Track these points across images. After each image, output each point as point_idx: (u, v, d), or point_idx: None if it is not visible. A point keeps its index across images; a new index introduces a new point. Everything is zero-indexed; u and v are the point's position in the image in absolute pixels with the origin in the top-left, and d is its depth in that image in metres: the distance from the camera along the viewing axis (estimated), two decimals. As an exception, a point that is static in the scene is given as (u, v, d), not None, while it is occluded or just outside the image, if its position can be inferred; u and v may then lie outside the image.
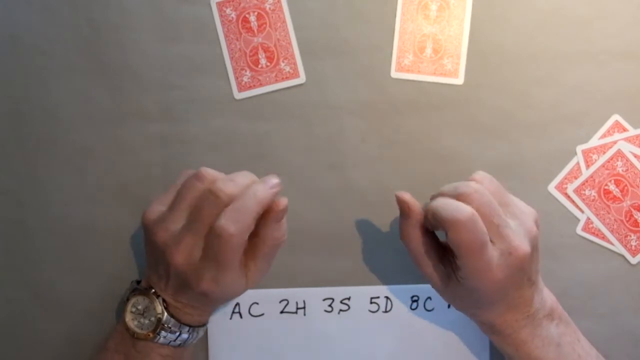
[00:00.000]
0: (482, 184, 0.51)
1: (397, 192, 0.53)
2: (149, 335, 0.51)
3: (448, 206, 0.48)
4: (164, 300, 0.52)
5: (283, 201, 0.50)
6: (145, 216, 0.52)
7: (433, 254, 0.53)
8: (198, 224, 0.49)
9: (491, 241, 0.49)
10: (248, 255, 0.52)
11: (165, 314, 0.51)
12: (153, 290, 0.52)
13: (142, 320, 0.52)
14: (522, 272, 0.50)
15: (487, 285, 0.49)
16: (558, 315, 0.54)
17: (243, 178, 0.50)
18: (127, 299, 0.53)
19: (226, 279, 0.49)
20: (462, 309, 0.54)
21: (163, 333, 0.51)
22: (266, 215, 0.50)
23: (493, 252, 0.48)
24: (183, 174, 0.54)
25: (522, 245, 0.49)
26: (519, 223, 0.51)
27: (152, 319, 0.51)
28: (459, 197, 0.49)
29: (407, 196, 0.52)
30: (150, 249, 0.53)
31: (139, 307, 0.52)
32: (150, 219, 0.52)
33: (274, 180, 0.50)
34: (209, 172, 0.50)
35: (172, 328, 0.52)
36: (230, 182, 0.49)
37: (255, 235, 0.51)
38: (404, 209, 0.52)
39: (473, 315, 0.54)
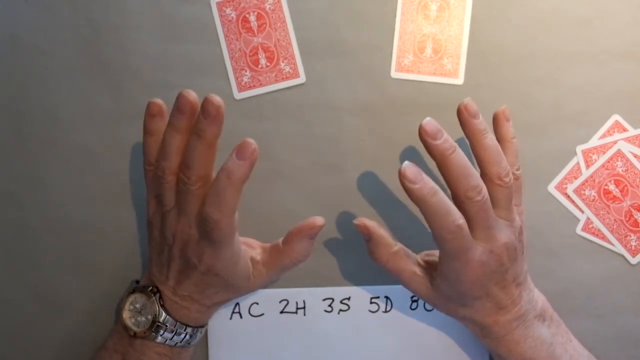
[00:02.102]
0: (506, 184, 0.51)
1: (353, 220, 0.54)
2: (144, 333, 0.52)
3: (445, 215, 0.49)
4: (161, 298, 0.52)
5: (319, 220, 0.53)
6: (148, 207, 0.54)
7: (407, 266, 0.54)
8: (186, 207, 0.50)
9: (477, 238, 0.50)
10: (265, 260, 0.54)
11: (162, 312, 0.52)
12: (150, 288, 0.53)
13: (139, 318, 0.52)
14: (501, 266, 0.51)
15: (466, 278, 0.51)
16: (549, 316, 0.54)
17: (191, 155, 0.50)
18: (126, 297, 0.53)
19: (225, 254, 0.51)
20: (452, 311, 0.54)
21: (159, 331, 0.52)
22: (302, 228, 0.53)
23: (475, 250, 0.50)
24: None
25: (504, 240, 0.51)
26: (509, 224, 0.52)
27: (149, 316, 0.52)
28: (467, 197, 0.49)
29: (363, 221, 0.54)
30: (154, 236, 0.54)
31: (137, 306, 0.53)
32: (150, 209, 0.54)
33: (248, 149, 0.48)
34: (166, 173, 0.51)
35: (168, 326, 0.52)
36: (187, 170, 0.49)
37: (285, 243, 0.54)
38: (363, 233, 0.54)
39: (465, 319, 0.54)
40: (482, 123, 0.52)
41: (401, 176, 0.48)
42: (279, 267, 0.54)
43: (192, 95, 0.50)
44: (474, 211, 0.50)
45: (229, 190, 0.48)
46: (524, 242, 0.54)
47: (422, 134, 0.50)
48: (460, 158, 0.50)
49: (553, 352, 0.53)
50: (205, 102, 0.48)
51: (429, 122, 0.50)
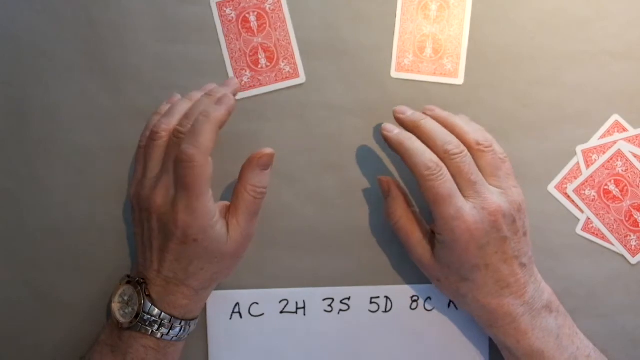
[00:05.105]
0: (486, 147, 0.54)
1: (378, 177, 0.57)
2: (130, 323, 0.52)
3: (420, 153, 0.53)
4: (147, 288, 0.53)
5: (268, 149, 0.54)
6: (131, 189, 0.56)
7: (418, 229, 0.56)
8: (168, 163, 0.52)
9: (466, 196, 0.52)
10: (230, 210, 0.54)
11: (147, 302, 0.52)
12: (137, 279, 0.53)
13: (126, 310, 0.53)
14: (498, 232, 0.52)
15: (461, 235, 0.51)
16: (556, 308, 0.54)
17: (197, 108, 0.54)
18: (116, 290, 0.54)
19: (199, 207, 0.51)
20: (454, 289, 0.55)
21: (145, 322, 0.52)
22: (251, 160, 0.54)
23: (465, 204, 0.52)
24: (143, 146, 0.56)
25: (497, 202, 0.52)
26: (502, 192, 0.53)
27: (135, 307, 0.52)
28: (445, 152, 0.53)
29: (386, 178, 0.57)
30: (135, 218, 0.55)
31: (125, 298, 0.53)
32: (133, 187, 0.55)
33: (229, 100, 0.54)
34: (162, 128, 0.53)
35: (153, 317, 0.52)
36: (186, 120, 0.53)
37: (239, 181, 0.54)
38: (383, 189, 0.57)
39: (467, 300, 0.54)
40: (442, 110, 0.57)
41: (382, 129, 0.55)
42: (244, 209, 0.54)
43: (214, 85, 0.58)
44: (455, 165, 0.52)
45: (206, 127, 0.51)
46: (526, 224, 0.54)
47: (394, 114, 0.56)
48: (432, 122, 0.55)
49: (560, 344, 0.53)
50: (229, 79, 0.59)
51: (398, 106, 0.56)
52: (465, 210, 0.51)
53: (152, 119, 0.57)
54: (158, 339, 0.53)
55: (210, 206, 0.52)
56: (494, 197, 0.53)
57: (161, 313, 0.52)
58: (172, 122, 0.54)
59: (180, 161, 0.50)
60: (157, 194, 0.52)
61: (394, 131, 0.54)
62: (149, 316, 0.52)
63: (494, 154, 0.54)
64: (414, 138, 0.54)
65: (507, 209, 0.53)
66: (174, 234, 0.51)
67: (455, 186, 0.52)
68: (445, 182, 0.52)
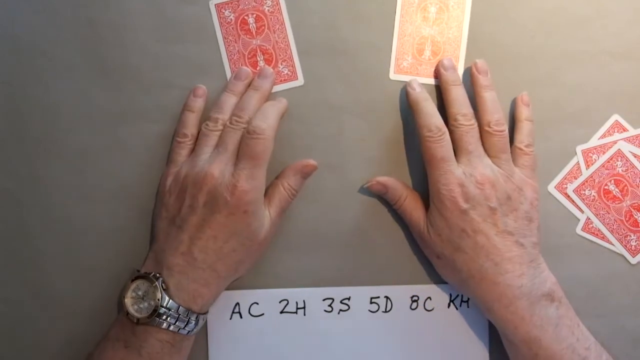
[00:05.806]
0: (495, 131, 0.57)
1: (364, 185, 0.60)
2: (147, 318, 0.52)
3: (428, 116, 0.56)
4: (164, 282, 0.53)
5: (312, 160, 0.58)
6: (165, 180, 0.57)
7: (420, 207, 0.58)
8: (225, 145, 0.55)
9: (460, 163, 0.55)
10: (266, 201, 0.57)
11: (165, 296, 0.52)
12: (153, 274, 0.53)
13: (141, 304, 0.53)
14: (486, 200, 0.54)
15: (444, 196, 0.54)
16: (558, 298, 0.54)
17: (247, 101, 0.58)
18: (129, 285, 0.54)
19: (259, 175, 0.54)
20: (450, 265, 0.55)
21: (162, 316, 0.52)
22: (297, 164, 0.58)
23: (456, 168, 0.55)
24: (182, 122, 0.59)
25: (487, 174, 0.55)
26: (501, 171, 0.56)
27: (151, 302, 0.52)
28: (455, 119, 0.56)
29: (375, 179, 0.59)
30: (169, 204, 0.56)
31: (139, 292, 0.53)
32: (169, 179, 0.57)
33: (266, 81, 0.59)
34: (219, 122, 0.57)
35: (170, 311, 0.52)
36: (241, 111, 0.57)
37: (279, 177, 0.58)
38: (379, 189, 0.59)
39: (463, 275, 0.55)
40: (487, 80, 0.59)
41: (407, 85, 0.59)
42: (277, 201, 0.57)
43: (248, 69, 0.60)
44: (458, 133, 0.56)
45: (274, 111, 0.56)
46: (530, 211, 0.55)
47: (438, 65, 0.60)
48: (461, 91, 0.58)
49: (559, 333, 0.53)
50: (262, 68, 0.60)
51: (447, 58, 0.60)
52: (453, 173, 0.54)
53: (186, 115, 0.59)
54: (174, 332, 0.53)
55: (264, 182, 0.55)
56: (487, 169, 0.55)
57: (179, 307, 0.53)
58: (225, 117, 0.57)
59: (252, 133, 0.54)
60: (214, 167, 0.54)
61: (416, 89, 0.58)
62: (167, 309, 0.52)
63: (501, 138, 0.56)
64: (429, 100, 0.57)
65: (498, 183, 0.55)
66: (226, 203, 0.53)
67: (451, 153, 0.55)
68: (442, 146, 0.55)
